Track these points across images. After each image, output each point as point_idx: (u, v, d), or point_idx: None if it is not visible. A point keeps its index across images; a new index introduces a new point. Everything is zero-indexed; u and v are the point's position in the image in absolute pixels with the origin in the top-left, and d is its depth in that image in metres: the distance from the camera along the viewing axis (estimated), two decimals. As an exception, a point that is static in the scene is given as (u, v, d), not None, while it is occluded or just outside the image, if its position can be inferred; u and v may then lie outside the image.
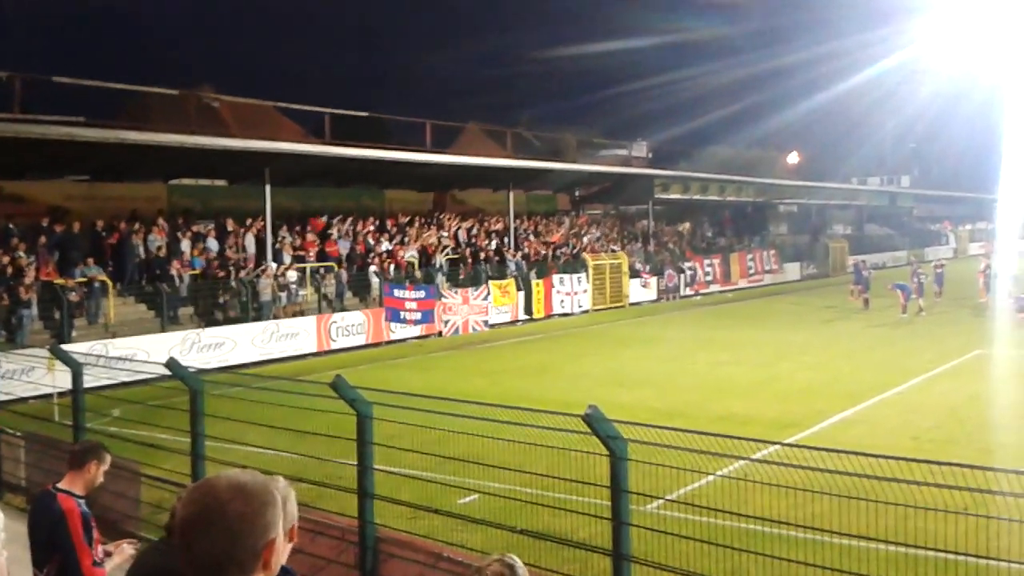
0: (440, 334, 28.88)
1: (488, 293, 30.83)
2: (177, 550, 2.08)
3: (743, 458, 6.37)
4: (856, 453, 5.22)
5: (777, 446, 7.04)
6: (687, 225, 50.13)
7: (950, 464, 4.86)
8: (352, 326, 26.91)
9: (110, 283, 23.20)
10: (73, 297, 21.96)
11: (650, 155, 68.90)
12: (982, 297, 33.79)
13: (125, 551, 5.63)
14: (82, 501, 5.43)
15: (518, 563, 3.40)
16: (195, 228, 27.33)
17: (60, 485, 5.48)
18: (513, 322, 32.13)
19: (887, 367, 20.47)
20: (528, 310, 32.94)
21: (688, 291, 41.53)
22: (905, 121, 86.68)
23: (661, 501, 7.57)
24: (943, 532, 5.26)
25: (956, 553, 5.24)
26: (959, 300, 33.99)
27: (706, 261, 44.09)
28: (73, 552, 5.20)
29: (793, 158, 77.68)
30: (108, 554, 5.51)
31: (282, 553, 2.15)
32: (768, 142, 77.83)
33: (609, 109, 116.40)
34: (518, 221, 38.08)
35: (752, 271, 47.26)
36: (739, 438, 5.82)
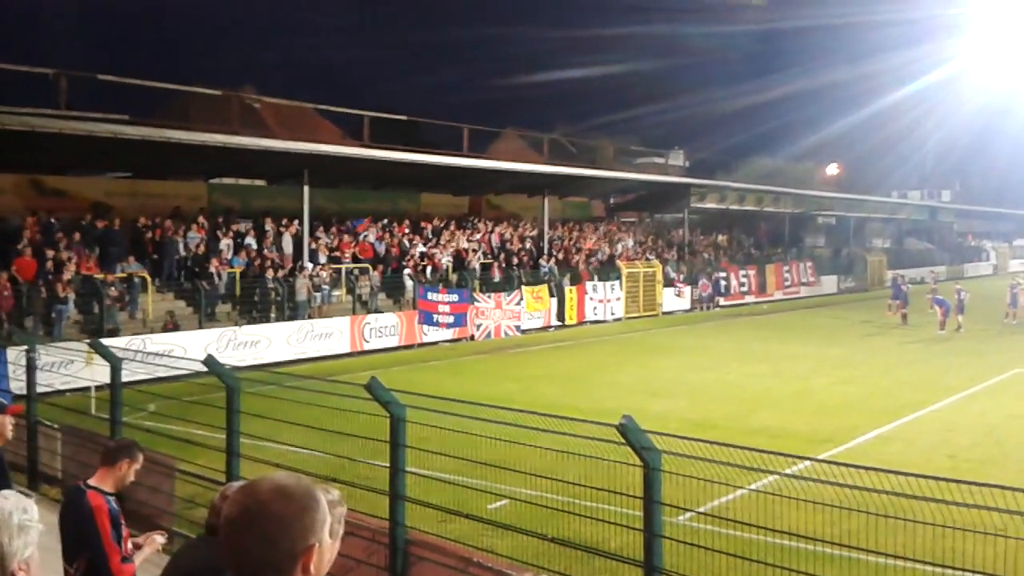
0: (472, 338, 28.93)
1: (521, 298, 30.85)
2: (220, 549, 2.10)
3: (776, 473, 6.31)
4: (891, 471, 5.16)
5: (811, 462, 6.98)
6: (724, 237, 49.77)
7: (988, 485, 4.79)
8: (385, 328, 27.05)
9: (149, 279, 23.50)
10: (113, 292, 22.29)
11: (687, 164, 68.60)
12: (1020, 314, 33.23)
13: (156, 541, 5.69)
14: (111, 498, 5.46)
15: None
16: (235, 227, 27.62)
17: (91, 481, 5.50)
18: (545, 328, 32.11)
19: (925, 384, 20.21)
20: (561, 316, 32.90)
21: (723, 301, 41.24)
22: (947, 136, 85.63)
23: (692, 513, 7.53)
24: (980, 553, 5.18)
25: (993, 576, 5.16)
26: (998, 318, 33.42)
27: (741, 272, 43.77)
28: (101, 549, 5.24)
29: (832, 170, 76.97)
30: (138, 546, 5.56)
31: (326, 561, 2.14)
32: (808, 155, 77.21)
33: (648, 121, 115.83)
34: (552, 229, 38.08)
35: (788, 283, 46.85)
36: (773, 452, 5.77)
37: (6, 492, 2.43)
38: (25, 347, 12.61)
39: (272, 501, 2.05)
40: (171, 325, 22.35)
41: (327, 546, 2.13)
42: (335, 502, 3.05)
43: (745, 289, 43.48)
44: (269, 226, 28.25)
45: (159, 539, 5.72)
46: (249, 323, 24.31)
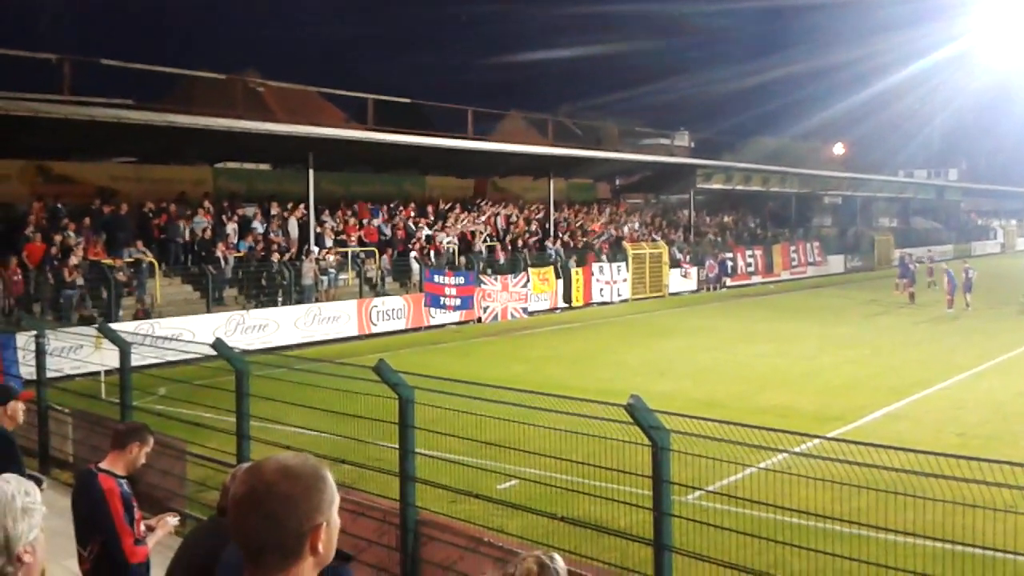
0: (479, 320, 28.98)
1: (527, 280, 30.85)
2: (229, 530, 2.12)
3: (785, 451, 6.31)
4: (900, 448, 5.16)
5: (820, 440, 6.99)
6: (730, 218, 49.67)
7: (997, 461, 4.78)
8: (392, 311, 27.09)
9: (156, 264, 23.54)
10: (120, 277, 22.32)
11: (692, 145, 68.39)
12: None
13: (168, 523, 5.72)
14: (123, 481, 5.48)
15: (558, 561, 3.31)
16: (240, 211, 27.63)
17: (102, 465, 5.52)
18: (552, 310, 32.13)
19: (932, 362, 20.20)
20: (567, 298, 32.91)
21: (729, 282, 41.20)
22: (953, 114, 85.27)
23: (701, 492, 7.55)
24: (989, 530, 5.18)
25: (1004, 551, 5.17)
26: (1006, 297, 33.35)
27: (748, 252, 43.70)
28: (115, 532, 5.27)
29: (839, 149, 76.67)
30: (151, 528, 5.60)
31: (334, 539, 2.15)
32: (815, 134, 76.96)
33: (652, 101, 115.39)
34: (557, 211, 38.02)
35: (795, 263, 46.79)
36: (781, 431, 5.77)
37: (7, 475, 2.44)
38: (35, 332, 12.65)
39: (278, 481, 2.05)
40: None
41: (335, 525, 2.14)
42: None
43: (752, 269, 43.43)
44: (275, 210, 28.26)
45: (172, 521, 5.75)
46: (257, 307, 24.36)
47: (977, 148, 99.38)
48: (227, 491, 4.55)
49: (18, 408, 6.62)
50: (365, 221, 30.33)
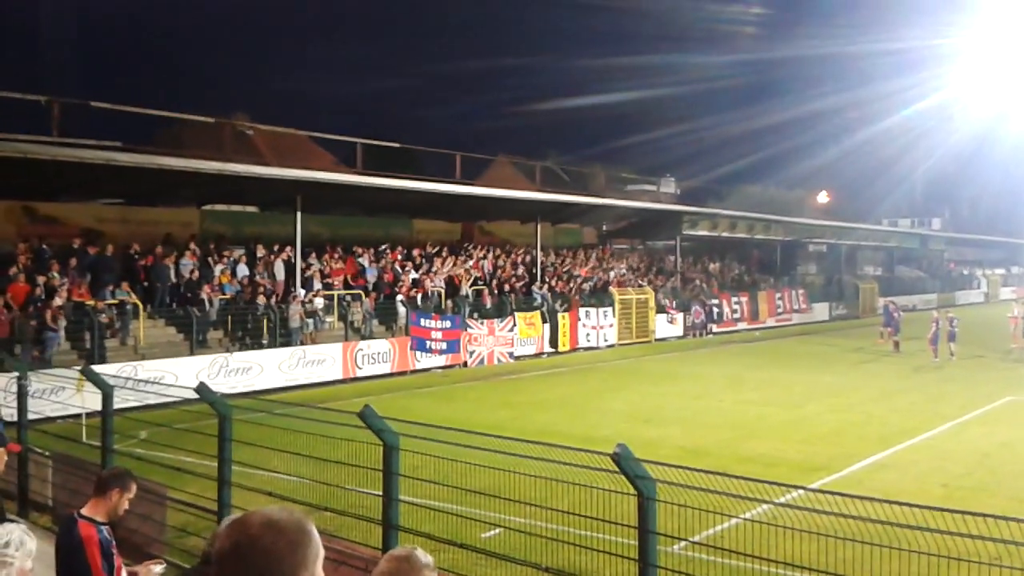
0: (465, 364, 28.89)
1: (514, 325, 30.84)
2: None
3: (770, 502, 6.30)
4: (884, 501, 5.16)
5: (804, 490, 6.96)
6: (716, 265, 49.93)
7: (981, 514, 4.79)
8: (378, 354, 26.99)
9: (140, 305, 23.41)
10: (104, 319, 22.19)
11: (679, 192, 68.94)
12: (1015, 343, 33.31)
13: (152, 572, 5.64)
14: (104, 528, 5.44)
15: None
16: (226, 253, 27.58)
17: (83, 511, 5.51)
18: (538, 354, 32.09)
19: (917, 411, 20.23)
20: (553, 343, 32.89)
21: (715, 328, 41.27)
22: (936, 164, 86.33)
23: (686, 542, 7.50)
24: (975, 583, 5.16)
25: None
26: (990, 346, 33.54)
27: (734, 299, 43.84)
28: None
29: (823, 198, 77.40)
30: (134, 575, 5.53)
31: None
32: (800, 182, 77.71)
33: (639, 150, 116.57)
34: (544, 256, 38.14)
35: (780, 310, 46.94)
36: (766, 481, 5.76)
37: None
38: (16, 374, 12.54)
39: (262, 535, 2.05)
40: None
41: None
42: (429, 566, 2.96)
43: (737, 316, 43.54)
44: (261, 252, 28.24)
45: (156, 569, 5.67)
46: (241, 350, 24.24)
47: (960, 197, 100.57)
48: (216, 539, 4.50)
49: (2, 457, 6.58)
50: (360, 262, 30.31)
